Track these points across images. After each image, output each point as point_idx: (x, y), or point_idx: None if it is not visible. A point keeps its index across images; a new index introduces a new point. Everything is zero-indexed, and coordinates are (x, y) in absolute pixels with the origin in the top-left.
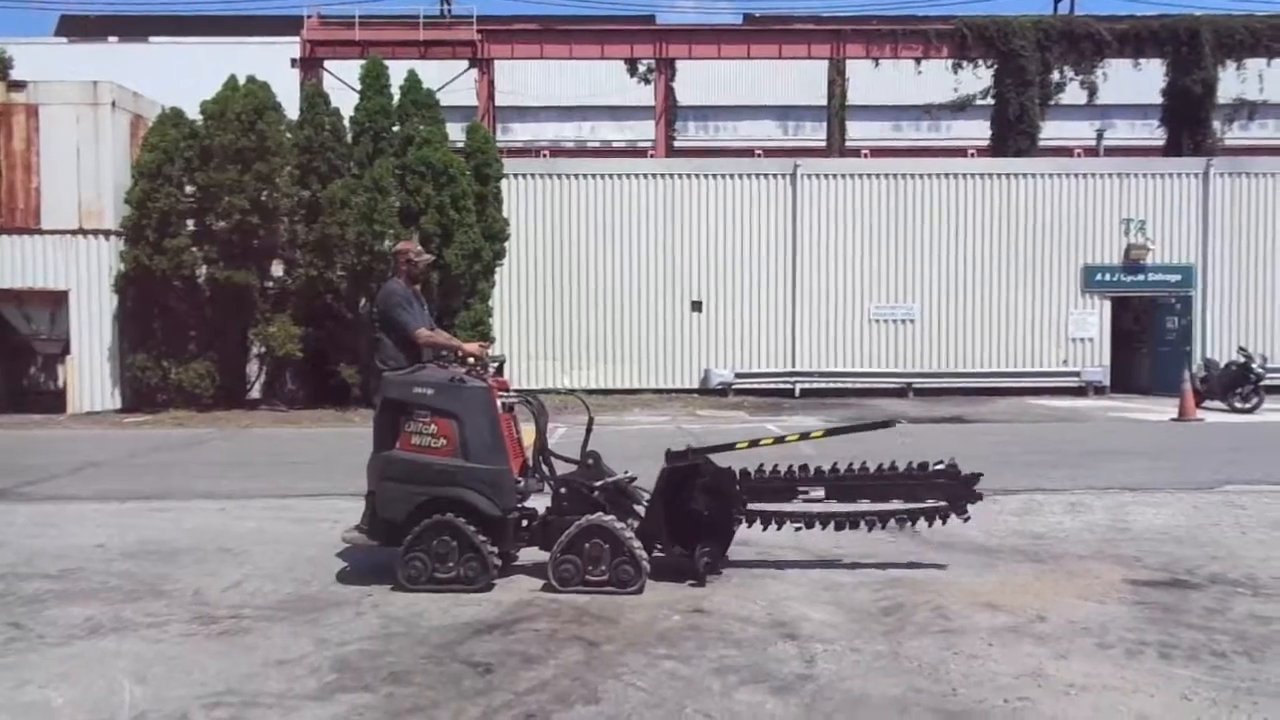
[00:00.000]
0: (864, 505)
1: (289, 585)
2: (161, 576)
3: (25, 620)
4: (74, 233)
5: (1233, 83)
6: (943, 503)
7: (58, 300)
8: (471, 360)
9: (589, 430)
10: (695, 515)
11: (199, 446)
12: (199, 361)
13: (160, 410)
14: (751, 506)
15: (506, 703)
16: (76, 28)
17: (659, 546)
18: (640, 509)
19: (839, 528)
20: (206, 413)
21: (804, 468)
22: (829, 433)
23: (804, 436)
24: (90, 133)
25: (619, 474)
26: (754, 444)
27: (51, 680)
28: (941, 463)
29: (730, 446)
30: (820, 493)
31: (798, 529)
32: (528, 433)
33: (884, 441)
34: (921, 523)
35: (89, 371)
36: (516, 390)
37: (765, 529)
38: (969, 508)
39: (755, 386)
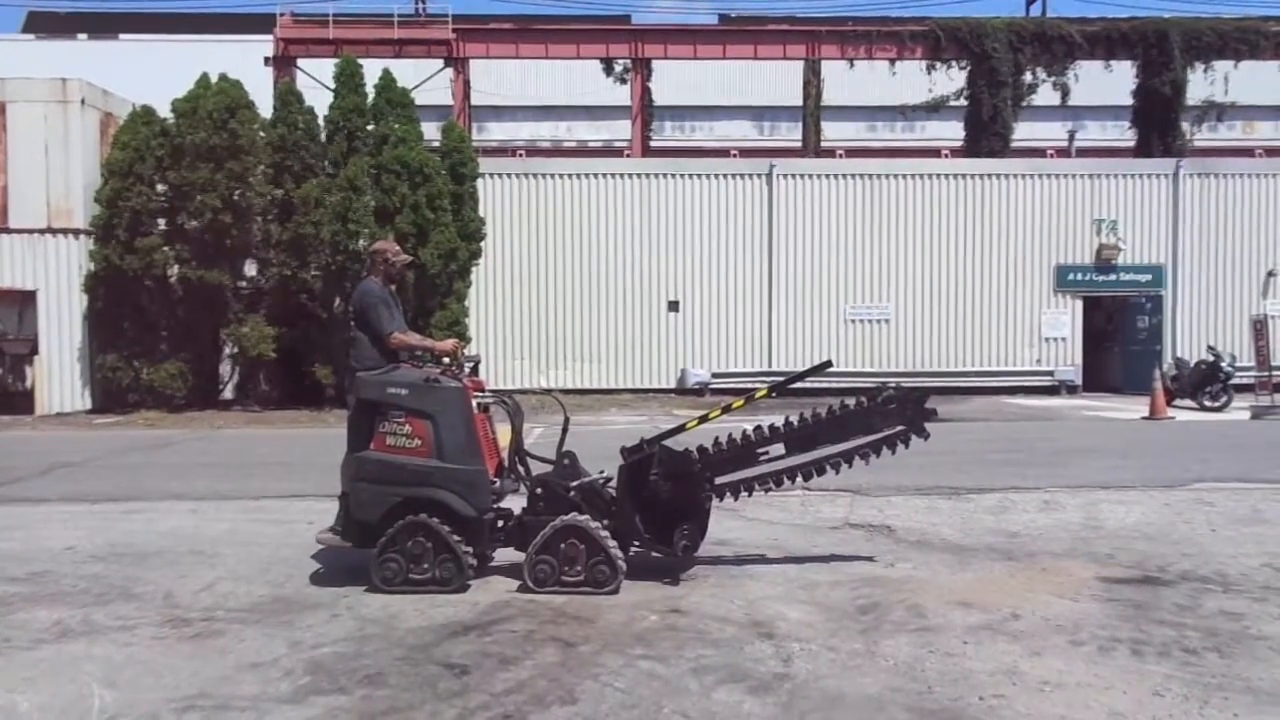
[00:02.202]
0: (825, 451)
1: (262, 587)
2: (132, 579)
3: None
4: (42, 231)
5: (1201, 85)
6: (900, 427)
7: (26, 300)
8: (447, 360)
9: (565, 430)
10: (664, 504)
11: (170, 447)
12: (171, 362)
13: (131, 411)
14: (718, 481)
15: (483, 704)
16: (45, 24)
17: (635, 545)
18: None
19: (807, 477)
20: (178, 413)
21: (758, 428)
22: (772, 389)
23: (749, 399)
24: (59, 131)
25: (595, 474)
26: (703, 420)
27: (19, 685)
28: (889, 387)
29: (681, 428)
30: (780, 449)
31: (767, 490)
32: (503, 433)
33: None
34: (895, 522)
35: (58, 372)
36: (492, 390)
37: (737, 499)
38: (926, 426)
39: (732, 386)
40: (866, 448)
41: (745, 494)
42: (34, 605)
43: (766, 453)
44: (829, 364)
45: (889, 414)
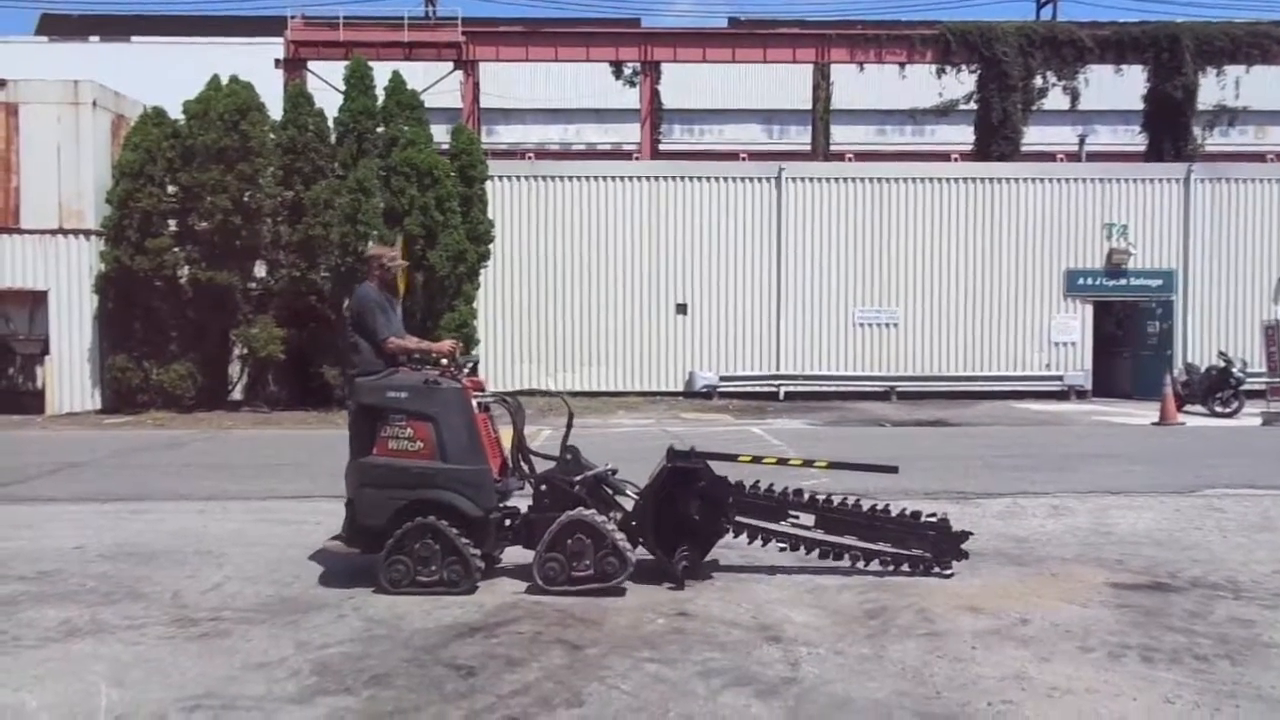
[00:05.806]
0: (850, 540)
1: (269, 587)
2: (140, 579)
3: (0, 623)
4: (54, 232)
5: (1213, 89)
6: (927, 554)
7: (37, 300)
8: (445, 361)
9: (569, 426)
10: (684, 517)
11: (179, 448)
12: (180, 362)
13: (140, 411)
14: (740, 519)
15: (489, 705)
16: (58, 27)
17: (641, 542)
18: (624, 499)
19: (823, 556)
20: (187, 414)
21: (799, 492)
22: (832, 465)
23: (807, 463)
24: (71, 132)
25: (601, 466)
26: (757, 460)
27: (26, 683)
28: (935, 515)
29: (733, 458)
30: (810, 519)
31: (782, 549)
32: (506, 434)
33: (875, 447)
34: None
35: (68, 372)
36: (500, 392)
37: (750, 543)
38: (953, 564)
39: (739, 389)
40: (889, 556)
41: (760, 543)
42: (42, 604)
43: (797, 517)
44: (894, 470)
45: (923, 537)
